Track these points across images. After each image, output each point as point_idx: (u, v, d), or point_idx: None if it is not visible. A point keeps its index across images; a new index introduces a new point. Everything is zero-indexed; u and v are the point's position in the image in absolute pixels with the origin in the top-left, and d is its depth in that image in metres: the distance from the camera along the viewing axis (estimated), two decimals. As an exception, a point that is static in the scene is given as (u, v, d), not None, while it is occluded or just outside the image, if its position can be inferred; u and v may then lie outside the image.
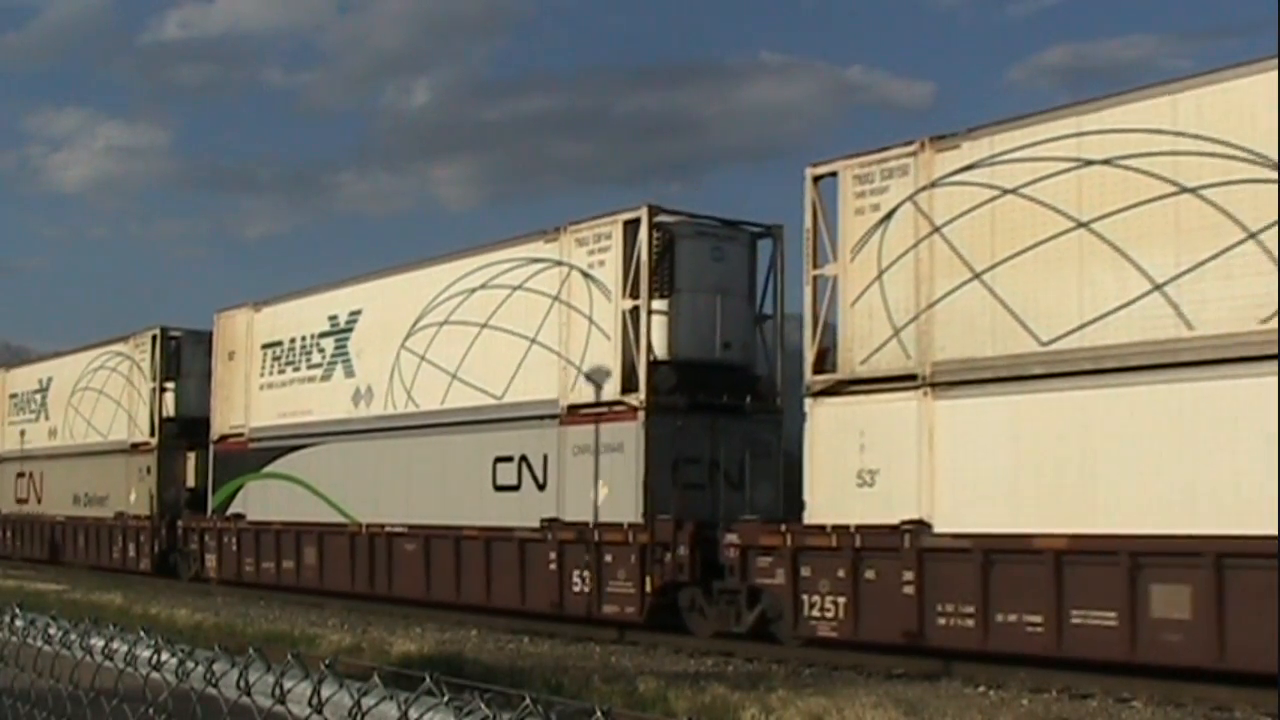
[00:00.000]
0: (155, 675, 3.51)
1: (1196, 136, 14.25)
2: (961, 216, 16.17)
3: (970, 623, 15.70)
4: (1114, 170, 14.86)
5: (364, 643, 18.43)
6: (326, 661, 2.89)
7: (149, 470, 30.94)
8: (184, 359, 31.24)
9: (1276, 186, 13.58)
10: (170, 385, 31.21)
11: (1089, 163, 15.07)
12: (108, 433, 32.60)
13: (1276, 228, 13.57)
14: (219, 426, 29.08)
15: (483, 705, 2.42)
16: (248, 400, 28.24)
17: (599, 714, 2.33)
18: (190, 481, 30.68)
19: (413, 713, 2.53)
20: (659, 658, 17.84)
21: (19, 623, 4.28)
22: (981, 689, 14.90)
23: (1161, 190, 14.45)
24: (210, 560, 28.91)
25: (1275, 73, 13.70)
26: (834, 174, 17.63)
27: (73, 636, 3.95)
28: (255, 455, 27.91)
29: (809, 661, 16.81)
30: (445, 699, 2.50)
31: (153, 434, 30.99)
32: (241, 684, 3.07)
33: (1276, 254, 13.52)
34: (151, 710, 3.68)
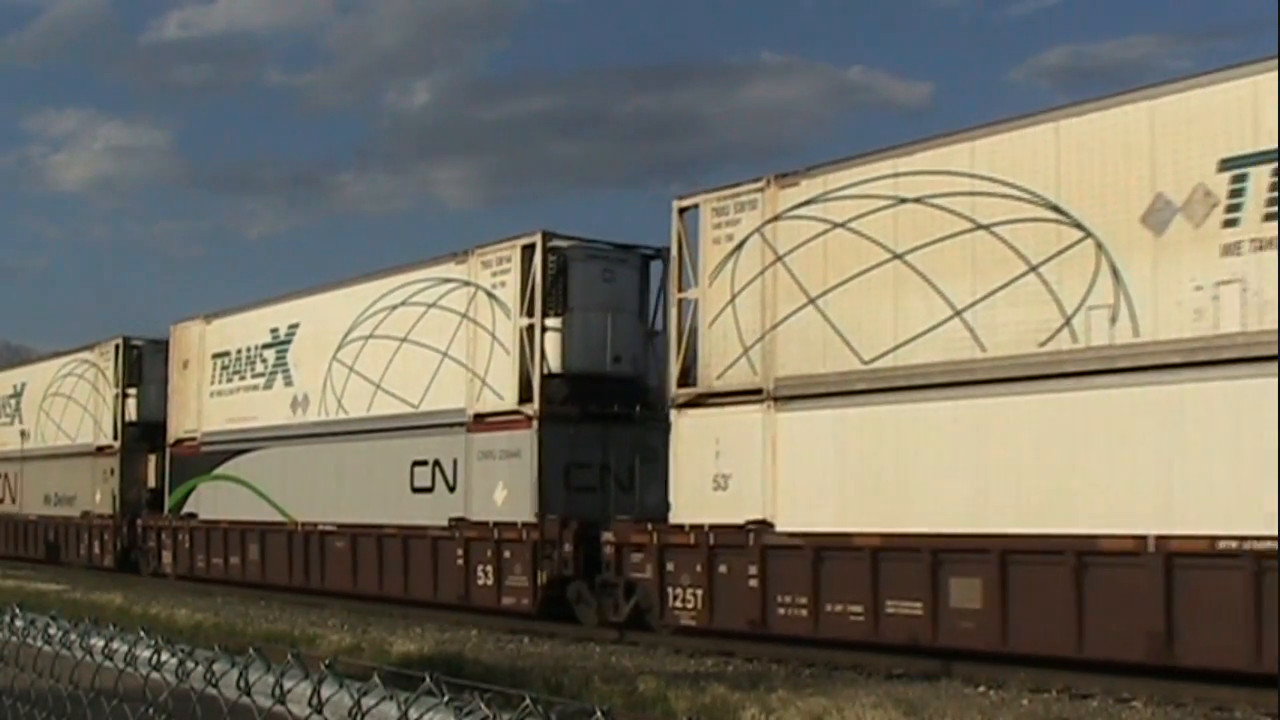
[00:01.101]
0: (155, 675, 3.51)
1: (989, 179, 16.03)
2: (800, 247, 17.95)
3: (804, 612, 17.52)
4: (924, 208, 16.64)
5: (364, 643, 18.67)
6: (326, 661, 2.91)
7: (112, 472, 32.88)
8: (145, 367, 33.14)
9: (1058, 224, 15.37)
10: (132, 391, 33.12)
11: (903, 201, 16.86)
12: (75, 436, 34.53)
13: (1056, 261, 15.37)
14: (174, 431, 31.00)
15: (483, 705, 2.43)
16: (200, 406, 30.14)
17: (599, 714, 2.33)
18: (151, 482, 32.58)
19: (413, 713, 2.54)
20: (659, 658, 17.95)
21: (19, 623, 4.27)
22: (981, 689, 14.94)
23: (961, 227, 16.23)
24: (166, 557, 30.85)
25: (1048, 126, 15.52)
26: (696, 206, 19.43)
27: (73, 636, 3.95)
28: (206, 458, 29.81)
29: (809, 661, 16.93)
30: (445, 699, 2.51)
31: (116, 437, 32.93)
32: (241, 684, 3.06)
33: (1053, 285, 15.31)
34: (151, 710, 3.67)
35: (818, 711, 12.71)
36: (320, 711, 2.77)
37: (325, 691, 2.78)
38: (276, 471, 27.59)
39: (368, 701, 2.65)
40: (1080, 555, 14.85)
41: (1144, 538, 14.34)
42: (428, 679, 2.58)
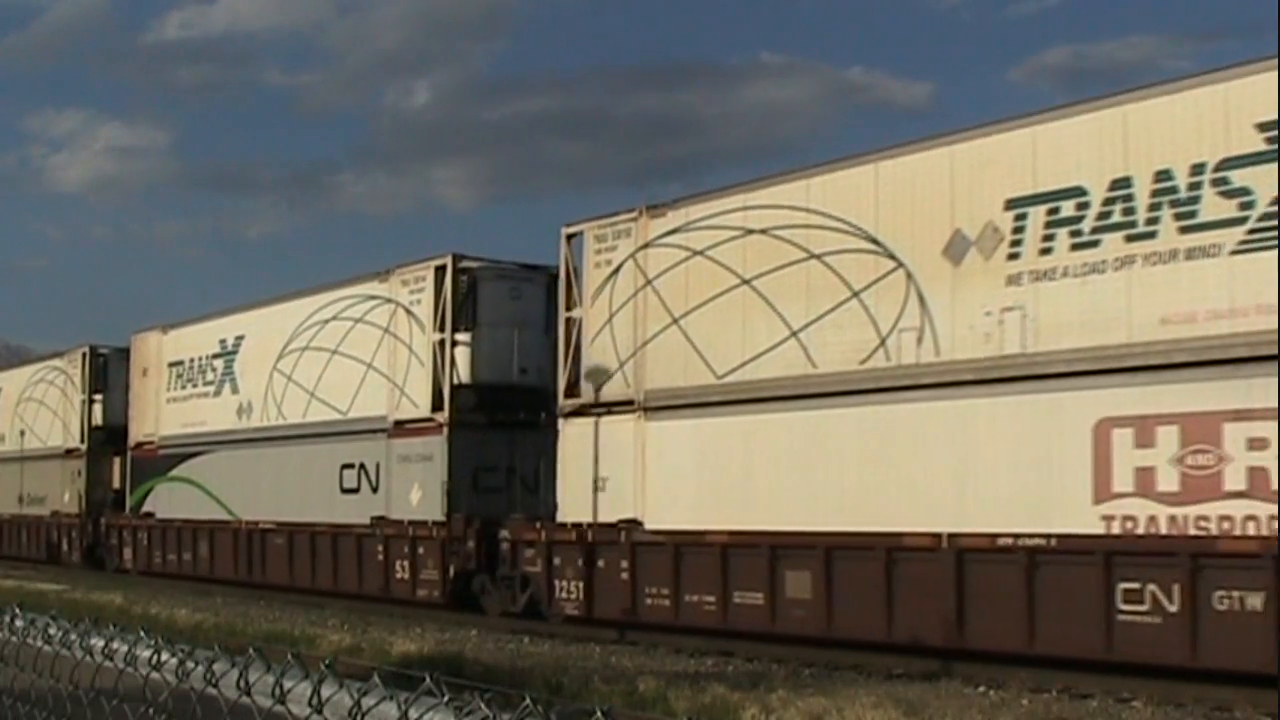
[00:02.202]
0: (155, 675, 3.50)
1: (821, 214, 17.88)
2: (666, 272, 19.81)
3: (667, 602, 19.37)
4: (768, 239, 18.49)
5: (364, 643, 18.77)
6: (326, 661, 2.92)
7: (79, 473, 34.88)
8: (110, 374, 35.09)
9: (876, 256, 17.22)
10: (98, 397, 35.09)
11: (751, 232, 18.71)
12: (46, 439, 36.53)
13: (874, 289, 17.21)
14: (135, 435, 32.96)
15: (483, 705, 2.43)
16: (157, 412, 32.10)
17: (599, 714, 2.34)
18: (116, 483, 34.54)
19: (413, 713, 2.54)
20: (659, 658, 18.06)
21: (19, 623, 4.26)
22: (981, 689, 15.02)
23: (798, 256, 18.08)
24: (127, 553, 32.83)
25: (872, 166, 17.37)
26: (581, 233, 21.29)
27: (73, 636, 3.94)
28: (163, 461, 31.76)
29: (809, 661, 17.06)
30: (445, 699, 2.51)
31: (83, 441, 34.91)
32: (241, 684, 3.07)
33: (873, 309, 17.15)
34: (151, 710, 3.66)
35: (818, 711, 12.73)
36: (320, 711, 2.77)
37: (325, 691, 2.78)
38: (224, 473, 29.51)
39: (368, 701, 2.66)
40: (889, 551, 16.69)
41: (939, 535, 16.19)
42: (428, 679, 2.59)
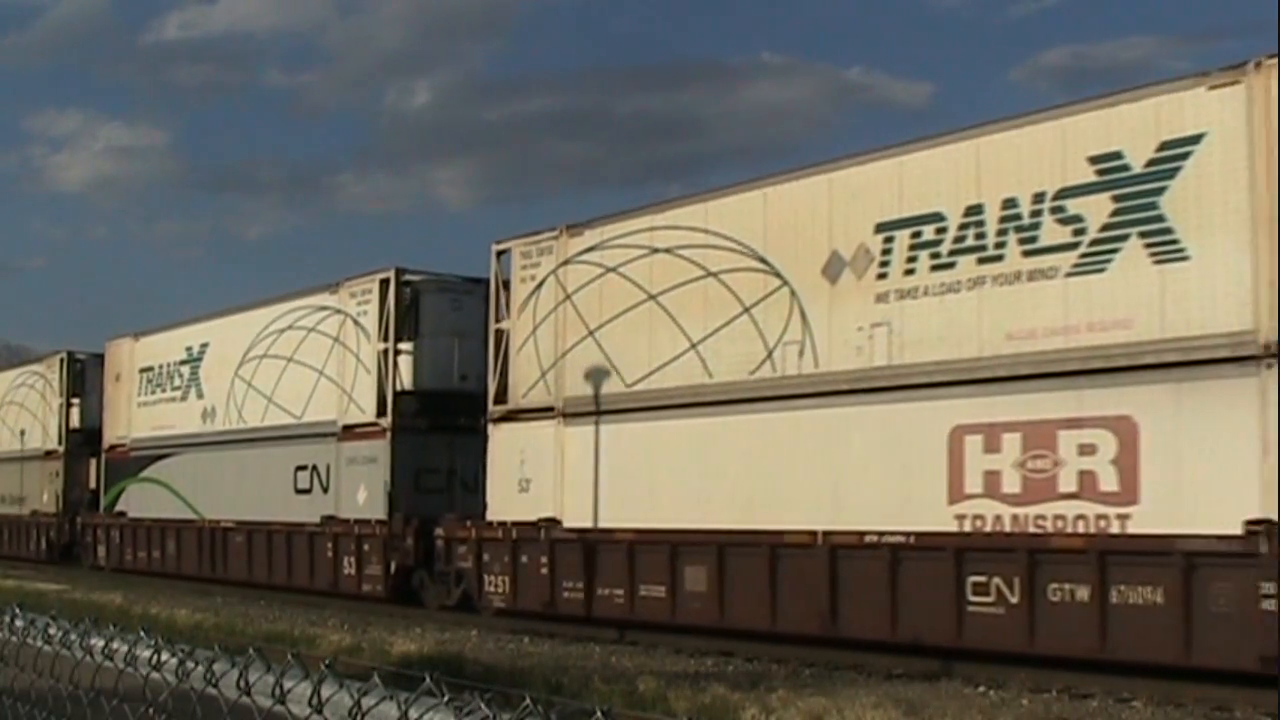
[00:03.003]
0: (155, 675, 3.50)
1: (718, 235, 19.25)
2: (583, 287, 21.20)
3: (580, 595, 20.75)
4: (671, 257, 19.87)
5: (364, 643, 18.90)
6: (326, 661, 2.93)
7: (57, 474, 36.36)
8: (87, 379, 36.56)
9: (765, 274, 18.59)
10: (76, 401, 36.57)
11: (656, 250, 20.09)
12: (26, 441, 38.02)
13: (763, 305, 18.57)
14: (108, 437, 34.44)
15: (483, 705, 2.44)
16: (129, 415, 33.56)
17: (599, 714, 2.36)
18: (92, 484, 35.99)
19: (413, 713, 2.54)
20: (659, 658, 18.14)
21: (19, 623, 4.25)
22: (981, 689, 15.08)
23: (697, 274, 19.46)
24: (100, 551, 34.30)
25: (758, 190, 18.74)
26: (509, 250, 22.68)
27: (73, 636, 3.93)
28: (135, 462, 33.22)
29: (809, 661, 17.16)
30: (445, 699, 2.52)
31: (60, 443, 36.38)
32: (241, 684, 3.07)
33: (763, 324, 18.53)
34: (151, 710, 3.67)
35: (818, 711, 12.76)
36: (320, 711, 2.77)
37: (325, 691, 2.79)
38: (189, 474, 30.96)
39: (368, 701, 2.66)
40: (773, 547, 18.06)
41: (815, 533, 17.56)
42: (428, 679, 2.59)
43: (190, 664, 3.31)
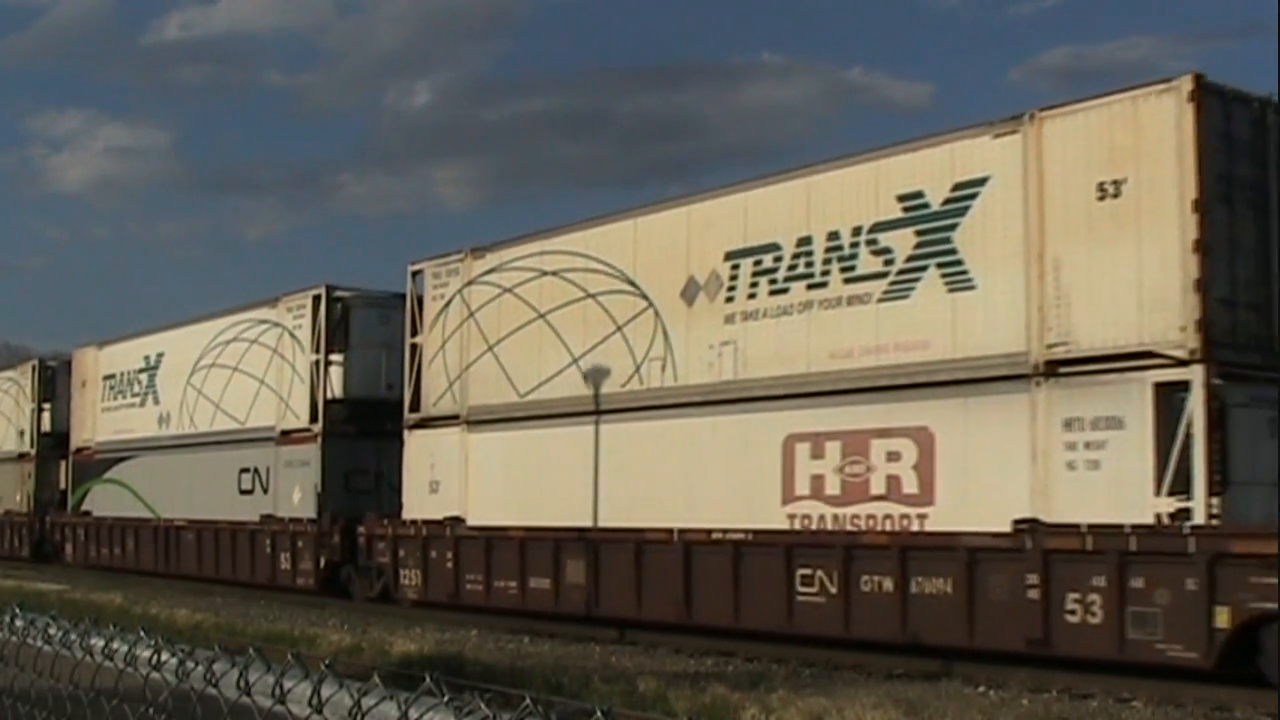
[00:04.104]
0: (155, 675, 3.52)
1: (596, 260, 21.19)
2: (485, 306, 23.15)
3: (481, 587, 22.71)
4: (557, 280, 21.81)
5: (364, 643, 18.99)
6: (326, 661, 2.94)
7: (29, 475, 38.46)
8: (57, 385, 38.62)
9: (634, 296, 20.51)
10: (47, 406, 38.63)
11: (545, 273, 22.04)
12: (2, 444, 40.09)
13: (632, 324, 20.50)
14: (75, 440, 36.53)
15: (483, 705, 2.45)
16: (94, 420, 35.62)
17: (599, 714, 2.36)
18: (62, 485, 38.04)
19: (413, 713, 2.56)
20: (659, 658, 18.23)
21: (19, 623, 4.26)
22: (981, 689, 15.16)
23: (578, 295, 21.40)
24: (68, 548, 36.37)
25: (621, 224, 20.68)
26: (423, 270, 24.64)
27: (73, 636, 3.93)
28: (99, 464, 35.28)
29: (809, 661, 17.31)
30: (445, 699, 2.53)
31: (32, 446, 38.46)
32: (241, 684, 3.09)
33: (634, 342, 20.46)
34: (151, 710, 3.68)
35: (818, 711, 12.81)
36: (320, 711, 2.79)
37: (325, 691, 2.80)
38: (147, 476, 33.00)
39: (368, 701, 2.67)
40: (638, 544, 20.00)
41: (672, 530, 19.49)
42: (428, 679, 2.60)
43: (190, 664, 3.31)
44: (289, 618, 23.04)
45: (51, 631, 4.07)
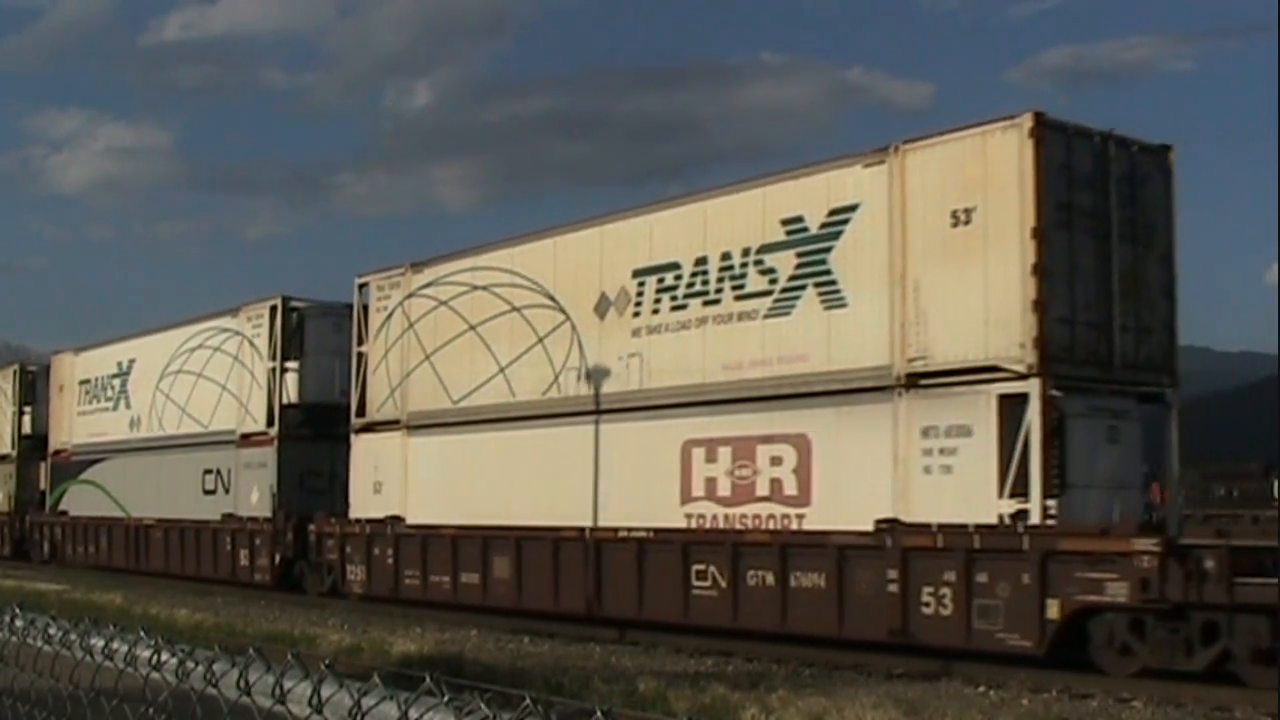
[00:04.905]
0: (155, 675, 3.51)
1: (521, 276, 22.64)
2: (423, 318, 24.61)
3: (417, 581, 24.18)
4: (487, 294, 23.27)
5: (364, 643, 18.95)
6: (326, 661, 2.94)
7: (11, 476, 40.01)
8: (38, 389, 40.15)
9: (554, 310, 21.96)
10: (28, 409, 40.17)
11: (476, 288, 23.49)
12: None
13: (552, 336, 21.94)
14: (53, 443, 38.08)
15: (483, 705, 2.45)
16: (71, 423, 37.16)
17: (599, 714, 2.37)
18: (42, 485, 39.57)
19: (413, 713, 2.56)
20: (659, 658, 18.20)
21: (19, 623, 4.24)
22: (981, 689, 15.15)
23: (505, 308, 22.85)
24: (46, 546, 37.90)
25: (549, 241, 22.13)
26: (368, 284, 26.12)
27: (73, 636, 3.92)
28: (75, 466, 36.82)
29: (809, 661, 17.32)
30: (445, 699, 2.53)
31: (14, 447, 40.00)
32: (241, 684, 3.09)
33: (555, 352, 21.90)
34: (151, 710, 3.68)
35: (818, 711, 12.79)
36: (320, 711, 2.79)
37: (325, 691, 2.80)
38: (119, 477, 34.52)
39: (368, 701, 2.68)
40: (555, 541, 21.44)
41: (583, 529, 20.93)
42: (428, 679, 2.60)
43: (190, 664, 3.31)
44: (289, 618, 23.20)
45: (51, 631, 4.08)
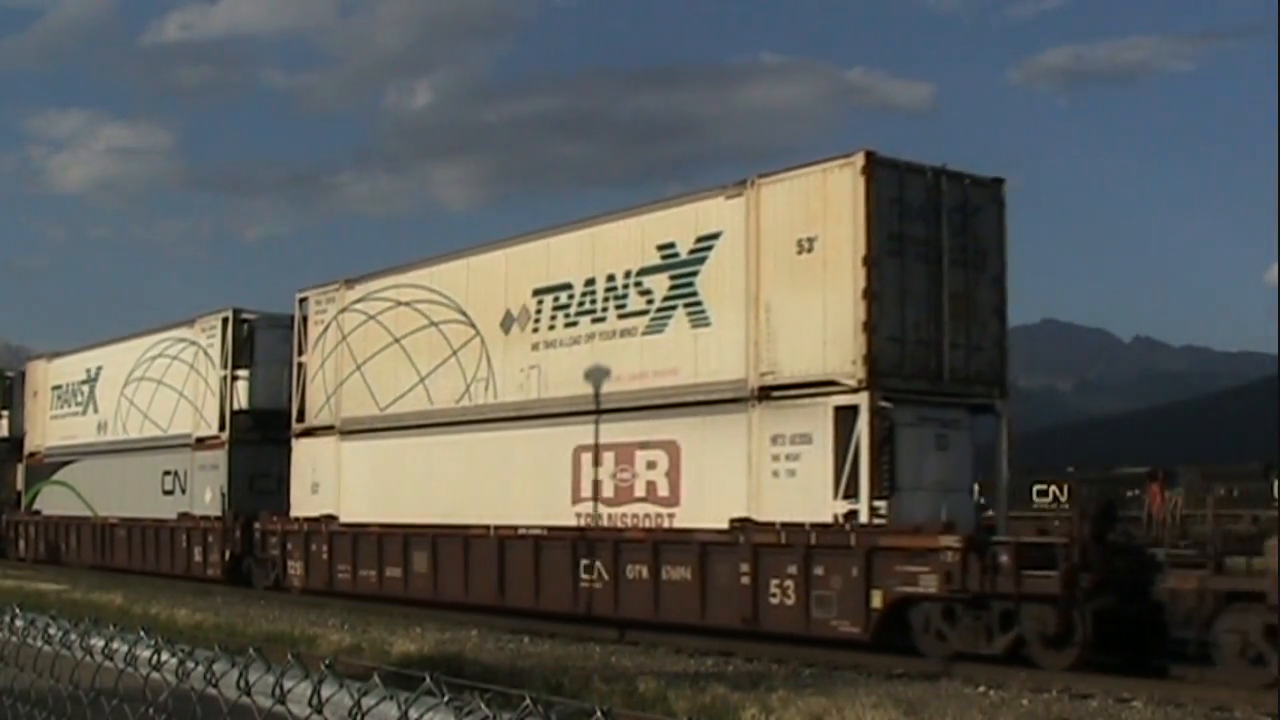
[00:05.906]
0: (155, 675, 3.52)
1: (438, 293, 24.53)
2: (354, 331, 26.53)
3: (349, 575, 26.08)
4: (409, 310, 25.17)
5: (364, 643, 19.00)
6: (326, 661, 2.95)
7: (-11, 477, 42.05)
8: (14, 394, 42.15)
9: (466, 326, 23.85)
10: (5, 413, 42.19)
11: (400, 304, 25.40)
12: (-34, 448, 43.70)
13: (464, 349, 23.83)
14: (28, 446, 40.09)
15: (483, 705, 2.46)
16: (44, 426, 39.17)
17: (599, 714, 2.37)
18: (19, 486, 41.55)
19: (413, 713, 2.57)
20: (659, 658, 18.29)
21: (19, 623, 4.26)
22: (981, 689, 15.21)
23: (424, 323, 24.75)
24: (21, 545, 39.92)
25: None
26: (308, 297, 28.04)
27: (73, 636, 3.93)
28: (48, 467, 38.83)
29: (809, 661, 17.43)
30: (445, 699, 2.54)
31: (-10, 450, 42.10)
32: (241, 684, 3.10)
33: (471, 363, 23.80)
34: (151, 710, 3.69)
35: (818, 711, 12.80)
36: (320, 711, 2.80)
37: (325, 691, 2.81)
38: (87, 478, 36.53)
39: (368, 701, 2.68)
40: (465, 538, 23.34)
41: (489, 526, 22.83)
42: (428, 679, 2.61)
43: (190, 664, 3.32)
44: (289, 618, 23.27)
45: (51, 631, 4.07)
